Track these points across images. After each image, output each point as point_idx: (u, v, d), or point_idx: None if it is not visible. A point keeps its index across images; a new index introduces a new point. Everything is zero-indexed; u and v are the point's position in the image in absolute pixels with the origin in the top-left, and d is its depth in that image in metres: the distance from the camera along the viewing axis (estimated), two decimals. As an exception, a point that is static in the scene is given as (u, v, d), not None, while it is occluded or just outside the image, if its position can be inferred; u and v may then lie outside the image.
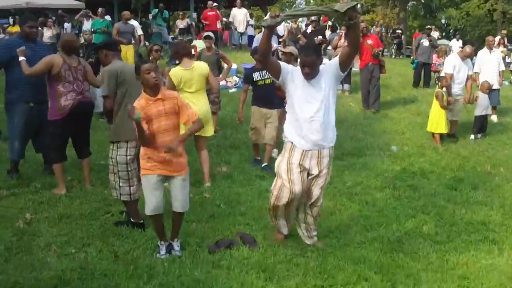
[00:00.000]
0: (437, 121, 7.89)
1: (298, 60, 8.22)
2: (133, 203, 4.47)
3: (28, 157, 6.06)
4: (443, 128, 7.90)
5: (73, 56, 5.33)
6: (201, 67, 5.77)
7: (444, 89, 7.95)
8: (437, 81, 8.06)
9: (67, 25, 16.88)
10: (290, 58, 6.62)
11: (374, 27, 19.89)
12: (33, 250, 3.96)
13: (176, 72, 5.63)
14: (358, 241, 4.32)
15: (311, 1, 39.77)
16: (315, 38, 12.03)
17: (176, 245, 4.00)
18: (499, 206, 5.33)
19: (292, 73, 3.95)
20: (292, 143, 3.99)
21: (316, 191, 4.09)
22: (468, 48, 8.60)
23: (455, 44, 20.17)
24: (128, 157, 4.38)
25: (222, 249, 4.04)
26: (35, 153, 6.04)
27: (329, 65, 4.04)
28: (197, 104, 5.57)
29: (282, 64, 4.02)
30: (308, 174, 4.02)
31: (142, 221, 4.46)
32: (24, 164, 5.96)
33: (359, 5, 3.57)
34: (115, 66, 4.53)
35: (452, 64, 8.37)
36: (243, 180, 6.00)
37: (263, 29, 11.06)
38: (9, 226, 4.39)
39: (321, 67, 4.00)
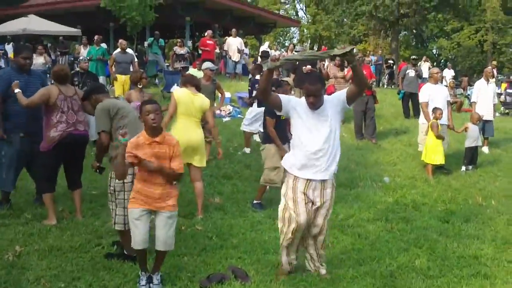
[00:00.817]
0: (435, 152, 7.89)
1: (293, 91, 8.31)
2: (127, 233, 4.43)
3: (20, 187, 6.02)
4: (441, 159, 7.92)
5: (69, 86, 5.36)
6: (204, 99, 5.86)
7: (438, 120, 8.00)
8: (432, 113, 8.11)
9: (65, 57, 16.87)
10: (287, 88, 6.65)
11: (368, 57, 20.15)
12: (22, 285, 3.90)
13: (181, 92, 5.71)
14: (351, 275, 4.30)
15: (305, 30, 40.33)
16: (303, 67, 12.08)
17: (155, 279, 3.92)
18: (490, 239, 5.35)
19: (294, 104, 4.02)
20: (295, 175, 4.02)
21: (319, 221, 4.11)
22: (435, 70, 8.84)
23: (447, 74, 20.46)
24: (126, 185, 4.36)
25: (214, 284, 4.00)
26: (26, 183, 6.02)
27: (335, 97, 4.10)
28: (192, 132, 5.62)
29: (281, 96, 4.09)
30: (312, 204, 4.05)
31: (134, 255, 4.42)
32: (15, 194, 5.91)
33: (355, 49, 3.68)
34: (105, 102, 4.60)
35: (427, 92, 8.48)
36: (236, 211, 5.98)
37: (258, 58, 11.11)
38: (-2, 259, 4.33)
39: (325, 97, 4.06)
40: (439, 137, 7.90)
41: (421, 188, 7.28)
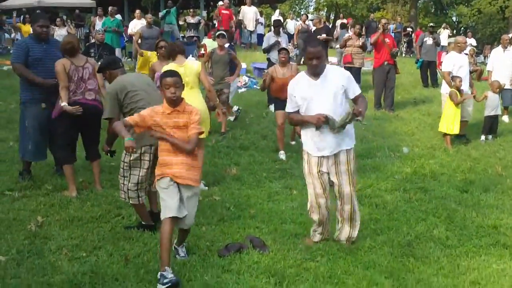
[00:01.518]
0: (452, 122, 7.77)
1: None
2: (142, 206, 4.49)
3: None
4: (457, 129, 7.81)
5: (78, 56, 5.35)
6: (193, 64, 5.80)
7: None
8: (451, 82, 7.92)
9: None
10: (286, 56, 7.02)
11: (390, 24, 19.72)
12: (45, 254, 3.99)
13: (170, 68, 5.63)
14: (368, 245, 4.31)
15: (320, 0, 39.56)
16: (318, 36, 11.93)
17: (181, 251, 3.97)
18: (510, 209, 5.30)
19: (294, 88, 4.07)
20: (308, 152, 4.13)
21: (346, 189, 4.12)
22: (461, 39, 8.52)
23: (468, 42, 19.97)
24: (143, 162, 4.38)
25: (232, 253, 4.04)
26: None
27: (341, 75, 4.06)
28: (193, 102, 5.55)
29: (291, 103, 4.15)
30: (328, 175, 4.13)
31: (152, 223, 4.48)
32: (35, 166, 6.00)
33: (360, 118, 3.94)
34: (113, 86, 4.52)
35: (451, 61, 8.24)
36: (253, 182, 6.00)
37: (272, 28, 10.92)
38: (21, 229, 4.42)
39: (329, 67, 4.06)
40: (459, 102, 7.74)
41: (439, 158, 7.20)
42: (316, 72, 3.98)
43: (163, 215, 3.62)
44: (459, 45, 8.39)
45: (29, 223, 4.52)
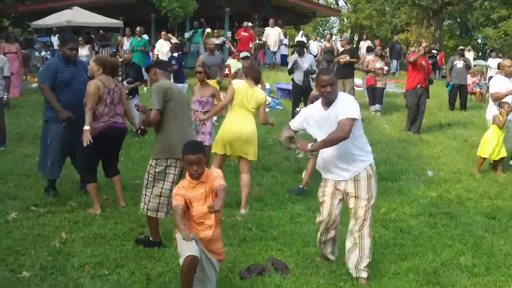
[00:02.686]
0: (499, 148, 7.45)
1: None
2: (155, 220, 4.50)
3: (65, 176, 6.19)
4: (504, 153, 7.54)
5: (110, 78, 5.43)
6: (261, 93, 5.81)
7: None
8: (499, 108, 7.66)
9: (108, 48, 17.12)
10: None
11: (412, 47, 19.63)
12: (68, 270, 4.01)
13: (239, 84, 5.65)
14: (393, 271, 4.22)
15: (345, 20, 39.70)
16: (341, 58, 11.70)
17: None
18: (540, 237, 5.14)
19: (306, 119, 4.11)
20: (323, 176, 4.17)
21: (360, 212, 4.02)
22: (507, 62, 8.05)
23: (493, 62, 19.67)
24: (168, 175, 4.41)
25: (254, 275, 4.01)
26: (71, 172, 6.18)
27: (342, 107, 3.93)
28: (246, 124, 5.57)
29: (298, 120, 4.19)
30: (346, 196, 4.07)
31: (159, 240, 4.53)
32: (61, 182, 6.09)
33: None
34: (163, 83, 4.57)
35: (498, 84, 7.83)
36: (275, 203, 5.97)
37: (295, 51, 10.93)
38: (45, 245, 4.47)
39: (342, 96, 4.01)
40: (502, 124, 7.41)
41: (466, 182, 7.06)
42: (331, 99, 3.94)
43: (183, 256, 3.32)
44: (503, 68, 8.01)
45: (53, 239, 4.56)
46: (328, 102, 3.97)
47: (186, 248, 3.32)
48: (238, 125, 5.54)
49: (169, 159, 4.38)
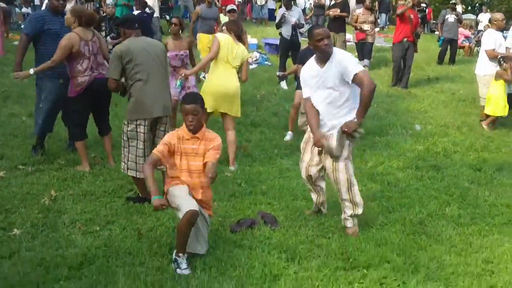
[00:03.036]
0: (504, 103, 7.45)
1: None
2: (140, 180, 4.51)
3: (53, 134, 6.12)
4: (506, 111, 7.54)
5: (87, 29, 5.23)
6: (245, 50, 5.72)
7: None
8: (502, 61, 7.58)
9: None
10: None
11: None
12: (59, 227, 4.03)
13: (224, 38, 5.52)
14: (380, 222, 4.31)
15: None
16: (331, 11, 11.48)
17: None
18: (524, 188, 5.25)
19: (307, 81, 4.06)
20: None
21: (327, 164, 4.03)
22: (499, 16, 7.94)
23: (484, 17, 19.53)
24: (138, 134, 4.43)
25: (244, 228, 4.06)
26: (58, 129, 6.11)
27: (343, 69, 3.84)
28: (230, 80, 5.50)
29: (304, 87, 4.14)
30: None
31: (150, 197, 4.53)
32: (48, 140, 6.03)
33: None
34: (118, 47, 4.51)
35: (492, 40, 7.74)
36: (264, 158, 6.00)
37: (282, 4, 10.67)
38: (34, 203, 4.46)
39: (338, 57, 3.90)
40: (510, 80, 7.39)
41: (452, 136, 7.14)
42: (328, 53, 3.87)
43: (183, 212, 3.30)
44: (496, 22, 7.91)
45: (43, 197, 4.56)
46: (325, 58, 3.90)
47: (186, 203, 3.34)
48: (224, 81, 5.47)
49: (138, 119, 4.40)
